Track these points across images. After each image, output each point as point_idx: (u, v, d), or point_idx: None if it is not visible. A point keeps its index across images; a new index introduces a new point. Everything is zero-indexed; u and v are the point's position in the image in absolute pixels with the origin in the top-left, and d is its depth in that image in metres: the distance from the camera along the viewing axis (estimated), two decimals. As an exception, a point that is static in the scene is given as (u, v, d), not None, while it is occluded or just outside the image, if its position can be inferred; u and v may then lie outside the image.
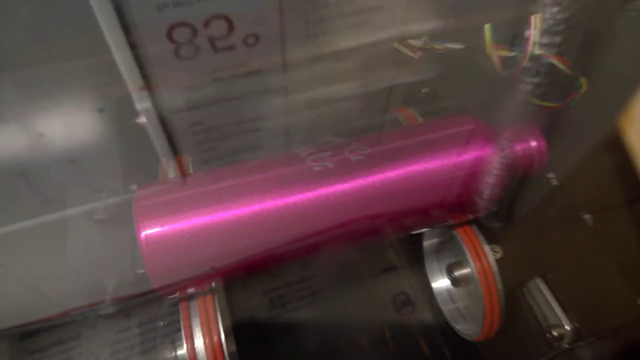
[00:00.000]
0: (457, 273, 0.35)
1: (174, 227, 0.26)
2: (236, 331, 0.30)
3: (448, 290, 0.41)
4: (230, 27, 0.25)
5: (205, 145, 0.36)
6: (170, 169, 0.33)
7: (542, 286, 0.36)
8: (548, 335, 0.34)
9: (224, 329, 0.29)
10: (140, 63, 0.23)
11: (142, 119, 0.27)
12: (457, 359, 0.46)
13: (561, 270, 0.35)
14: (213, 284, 0.30)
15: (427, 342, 0.47)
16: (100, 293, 0.36)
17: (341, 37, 0.29)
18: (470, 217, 0.34)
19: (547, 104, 0.37)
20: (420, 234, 0.42)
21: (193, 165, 0.35)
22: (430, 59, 0.37)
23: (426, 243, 0.42)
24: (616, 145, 0.36)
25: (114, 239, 0.36)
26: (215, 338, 0.28)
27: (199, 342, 0.28)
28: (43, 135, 0.33)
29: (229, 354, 0.29)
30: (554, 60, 0.34)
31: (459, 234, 0.34)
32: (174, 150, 0.30)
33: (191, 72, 0.28)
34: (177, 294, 0.29)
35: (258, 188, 0.28)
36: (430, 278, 0.42)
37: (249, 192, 0.27)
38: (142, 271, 0.26)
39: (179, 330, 0.29)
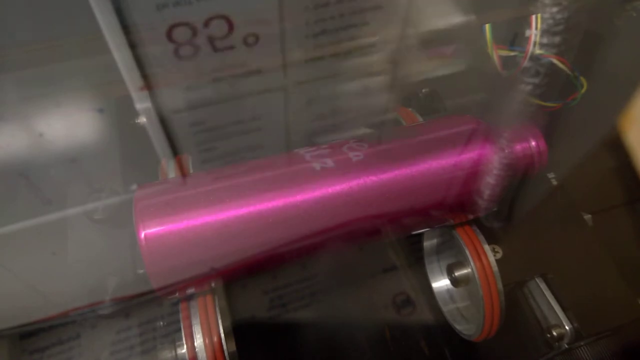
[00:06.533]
0: (457, 273, 0.35)
1: (174, 227, 0.26)
2: (236, 331, 0.30)
3: (448, 290, 0.41)
4: (230, 27, 0.25)
5: (205, 145, 0.36)
6: (170, 169, 0.33)
7: (542, 286, 0.36)
8: (548, 335, 0.34)
9: (224, 329, 0.29)
10: (140, 63, 0.23)
11: (142, 119, 0.27)
12: (457, 359, 0.46)
13: (561, 270, 0.35)
14: (213, 284, 0.30)
15: (427, 342, 0.47)
16: (100, 293, 0.36)
17: (341, 37, 0.29)
18: (471, 217, 0.34)
19: (547, 104, 0.37)
20: (421, 234, 0.42)
21: (193, 165, 0.35)
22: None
23: (426, 243, 0.42)
24: (616, 145, 0.36)
25: (114, 239, 0.36)
26: (215, 338, 0.28)
27: (199, 342, 0.28)
28: (43, 135, 0.33)
29: (229, 354, 0.29)
30: (554, 60, 0.34)
31: (459, 234, 0.34)
32: (174, 150, 0.30)
33: (191, 72, 0.28)
34: (177, 294, 0.29)
35: (258, 188, 0.28)
36: (430, 278, 0.42)
37: (249, 192, 0.27)
38: (142, 271, 0.26)
39: (179, 330, 0.29)
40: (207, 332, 0.29)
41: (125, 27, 0.21)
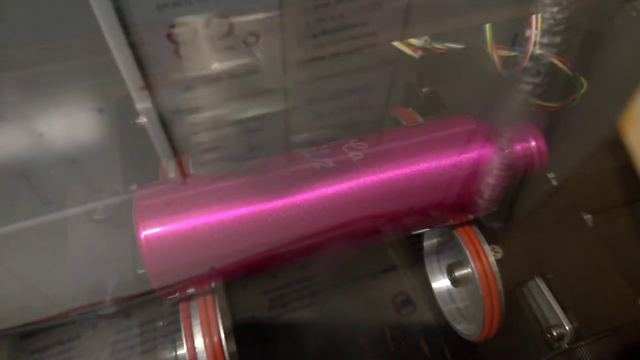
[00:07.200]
0: (457, 273, 0.35)
1: (174, 227, 0.26)
2: (236, 331, 0.30)
3: (448, 290, 0.41)
4: (230, 27, 0.25)
5: (205, 145, 0.36)
6: (170, 169, 0.33)
7: (542, 286, 0.36)
8: (548, 335, 0.34)
9: (224, 329, 0.29)
10: (140, 63, 0.23)
11: (142, 119, 0.27)
12: (457, 359, 0.46)
13: (561, 270, 0.35)
14: (213, 284, 0.30)
15: (427, 342, 0.47)
16: (100, 293, 0.36)
17: (341, 37, 0.29)
18: (471, 217, 0.34)
19: (547, 104, 0.37)
20: (421, 234, 0.42)
21: (193, 166, 0.35)
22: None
23: (426, 243, 0.42)
24: (616, 145, 0.36)
25: (114, 239, 0.36)
26: (216, 338, 0.28)
27: (199, 342, 0.28)
28: (43, 135, 0.33)
29: (229, 354, 0.29)
30: (555, 60, 0.34)
31: (459, 234, 0.34)
32: (174, 150, 0.30)
33: (191, 72, 0.28)
34: (177, 294, 0.29)
35: (258, 188, 0.28)
36: (430, 278, 0.42)
37: (249, 192, 0.27)
38: (142, 271, 0.26)
39: (179, 330, 0.29)
40: (207, 332, 0.29)
41: (125, 27, 0.21)
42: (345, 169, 0.29)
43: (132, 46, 0.22)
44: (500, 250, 0.34)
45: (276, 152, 0.32)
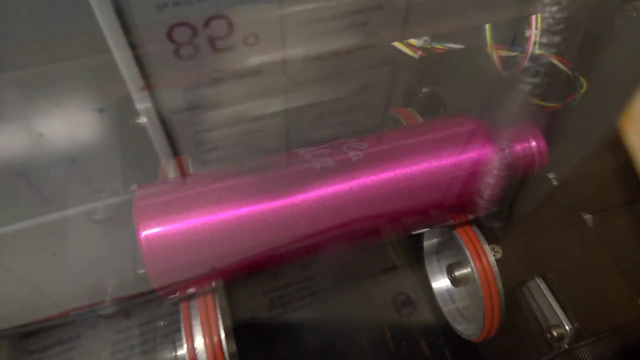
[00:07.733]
0: (457, 273, 0.35)
1: (174, 227, 0.26)
2: (236, 331, 0.30)
3: (448, 290, 0.41)
4: (230, 27, 0.25)
5: (205, 145, 0.36)
6: (170, 169, 0.33)
7: (542, 286, 0.36)
8: (548, 335, 0.34)
9: (224, 329, 0.29)
10: (140, 63, 0.23)
11: (142, 119, 0.27)
12: (457, 359, 0.46)
13: (561, 270, 0.35)
14: (213, 284, 0.30)
15: (427, 342, 0.47)
16: (100, 293, 0.36)
17: (341, 37, 0.29)
18: (471, 217, 0.34)
19: (547, 104, 0.37)
20: (421, 234, 0.42)
21: (193, 166, 0.34)
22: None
23: (426, 243, 0.42)
24: (616, 145, 0.36)
25: (114, 239, 0.36)
26: (216, 338, 0.28)
27: (199, 342, 0.28)
28: (43, 135, 0.33)
29: (229, 354, 0.29)
30: (554, 60, 0.34)
31: (459, 234, 0.34)
32: (174, 150, 0.30)
33: (191, 72, 0.28)
34: (178, 294, 0.29)
35: (258, 188, 0.28)
36: (430, 278, 0.42)
37: (249, 192, 0.27)
38: (142, 271, 0.26)
39: (179, 330, 0.29)
40: (208, 332, 0.29)
41: (125, 27, 0.21)
42: (345, 168, 0.29)
43: (132, 46, 0.22)
44: (500, 250, 0.34)
45: (276, 153, 0.32)
